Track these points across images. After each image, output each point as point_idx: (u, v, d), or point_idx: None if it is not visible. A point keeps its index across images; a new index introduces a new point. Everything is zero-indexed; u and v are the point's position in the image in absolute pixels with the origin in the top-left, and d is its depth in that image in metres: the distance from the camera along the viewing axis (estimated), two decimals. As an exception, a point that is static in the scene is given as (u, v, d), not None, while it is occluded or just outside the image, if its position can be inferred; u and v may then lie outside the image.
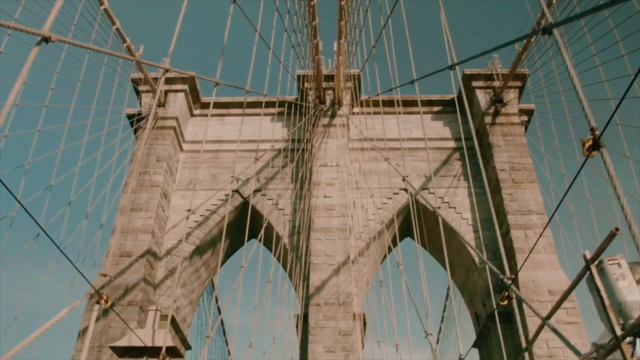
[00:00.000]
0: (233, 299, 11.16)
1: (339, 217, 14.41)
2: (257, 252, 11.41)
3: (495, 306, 13.57)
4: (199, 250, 15.04)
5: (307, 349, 12.92)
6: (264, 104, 15.78)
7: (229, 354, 24.84)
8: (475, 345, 15.11)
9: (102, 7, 12.46)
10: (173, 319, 14.05)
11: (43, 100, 11.68)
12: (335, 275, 13.66)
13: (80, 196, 12.97)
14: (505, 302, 6.49)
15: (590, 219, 12.58)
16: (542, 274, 13.35)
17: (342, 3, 11.61)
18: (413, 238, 16.39)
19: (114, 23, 13.04)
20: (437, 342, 24.26)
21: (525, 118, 16.14)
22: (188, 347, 15.13)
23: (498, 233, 7.85)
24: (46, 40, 3.96)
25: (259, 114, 16.18)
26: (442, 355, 23.91)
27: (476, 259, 14.53)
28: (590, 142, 3.89)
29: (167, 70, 8.51)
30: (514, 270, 13.67)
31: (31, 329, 5.37)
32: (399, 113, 15.31)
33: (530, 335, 12.85)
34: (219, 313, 21.79)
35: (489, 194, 9.81)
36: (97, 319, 13.18)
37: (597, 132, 3.93)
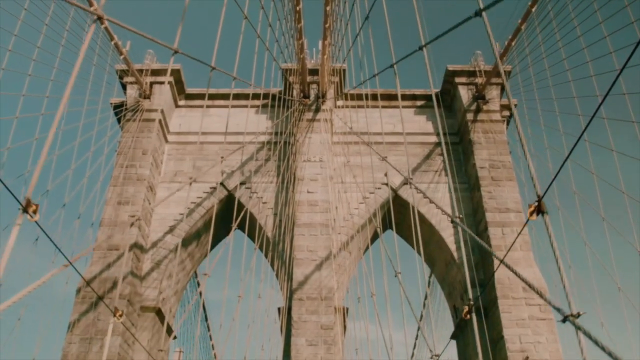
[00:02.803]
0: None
1: (322, 212, 14.71)
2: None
3: (473, 300, 14.08)
4: (184, 242, 15.31)
5: (290, 341, 13.39)
6: (252, 96, 15.88)
7: (211, 339, 25.54)
8: (453, 336, 15.69)
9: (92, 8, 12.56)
10: (159, 310, 14.44)
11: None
12: (318, 271, 14.04)
13: (71, 192, 13.42)
14: None
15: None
16: (518, 271, 13.79)
17: (327, 9, 11.69)
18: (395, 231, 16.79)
19: (102, 23, 13.14)
20: (418, 329, 25.05)
21: (507, 113, 16.41)
22: (173, 336, 15.55)
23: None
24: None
25: (244, 106, 16.30)
26: (422, 342, 24.74)
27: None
28: (534, 208, 4.62)
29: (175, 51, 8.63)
30: (490, 268, 14.16)
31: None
32: (365, 106, 15.48)
33: (504, 330, 13.45)
34: (201, 298, 22.24)
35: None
36: (87, 312, 13.58)
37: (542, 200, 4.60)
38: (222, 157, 13.70)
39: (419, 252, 16.76)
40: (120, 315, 9.31)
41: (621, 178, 11.06)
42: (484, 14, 5.70)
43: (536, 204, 4.60)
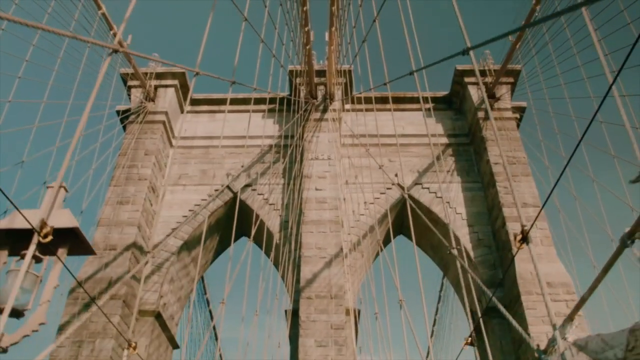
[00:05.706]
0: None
1: (331, 209, 14.06)
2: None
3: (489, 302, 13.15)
4: (187, 246, 14.62)
5: (297, 344, 12.44)
6: (267, 101, 15.62)
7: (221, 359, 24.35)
8: (470, 343, 14.61)
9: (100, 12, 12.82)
10: (159, 315, 13.56)
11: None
12: (327, 268, 13.24)
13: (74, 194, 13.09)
14: None
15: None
16: (540, 266, 12.92)
17: (333, 8, 11.59)
18: (406, 235, 16.07)
19: (111, 28, 13.33)
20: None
21: (517, 115, 16.02)
22: (175, 345, 14.56)
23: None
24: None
25: (247, 111, 16.02)
26: (435, 356, 23.34)
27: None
28: (520, 236, 4.97)
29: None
30: (510, 266, 13.32)
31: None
32: (366, 110, 15.13)
33: (530, 328, 12.46)
34: (211, 318, 21.27)
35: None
36: (79, 313, 12.70)
37: (525, 229, 4.96)
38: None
39: (419, 244, 16.04)
40: (134, 348, 8.60)
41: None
42: (471, 52, 6.31)
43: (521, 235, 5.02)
